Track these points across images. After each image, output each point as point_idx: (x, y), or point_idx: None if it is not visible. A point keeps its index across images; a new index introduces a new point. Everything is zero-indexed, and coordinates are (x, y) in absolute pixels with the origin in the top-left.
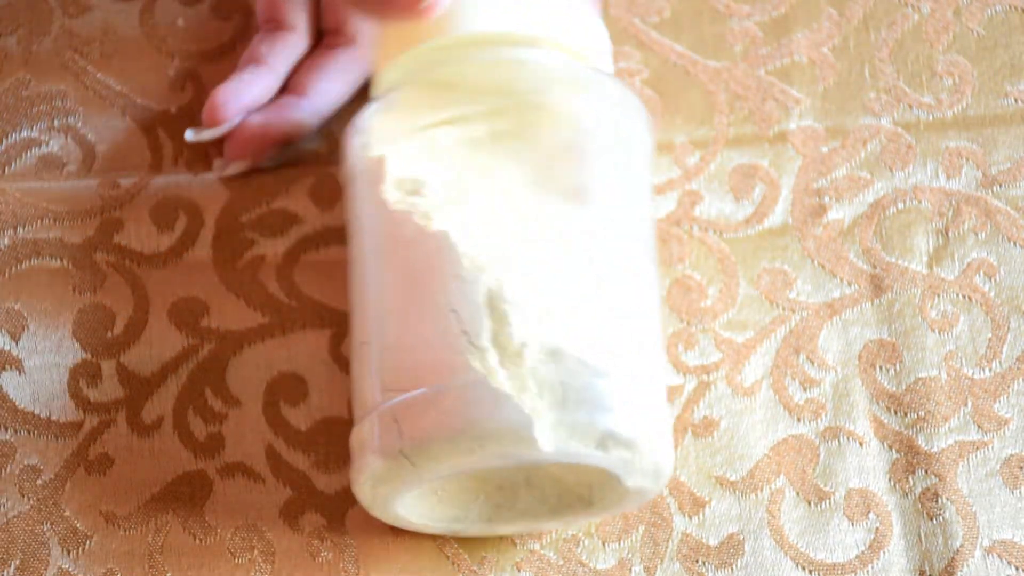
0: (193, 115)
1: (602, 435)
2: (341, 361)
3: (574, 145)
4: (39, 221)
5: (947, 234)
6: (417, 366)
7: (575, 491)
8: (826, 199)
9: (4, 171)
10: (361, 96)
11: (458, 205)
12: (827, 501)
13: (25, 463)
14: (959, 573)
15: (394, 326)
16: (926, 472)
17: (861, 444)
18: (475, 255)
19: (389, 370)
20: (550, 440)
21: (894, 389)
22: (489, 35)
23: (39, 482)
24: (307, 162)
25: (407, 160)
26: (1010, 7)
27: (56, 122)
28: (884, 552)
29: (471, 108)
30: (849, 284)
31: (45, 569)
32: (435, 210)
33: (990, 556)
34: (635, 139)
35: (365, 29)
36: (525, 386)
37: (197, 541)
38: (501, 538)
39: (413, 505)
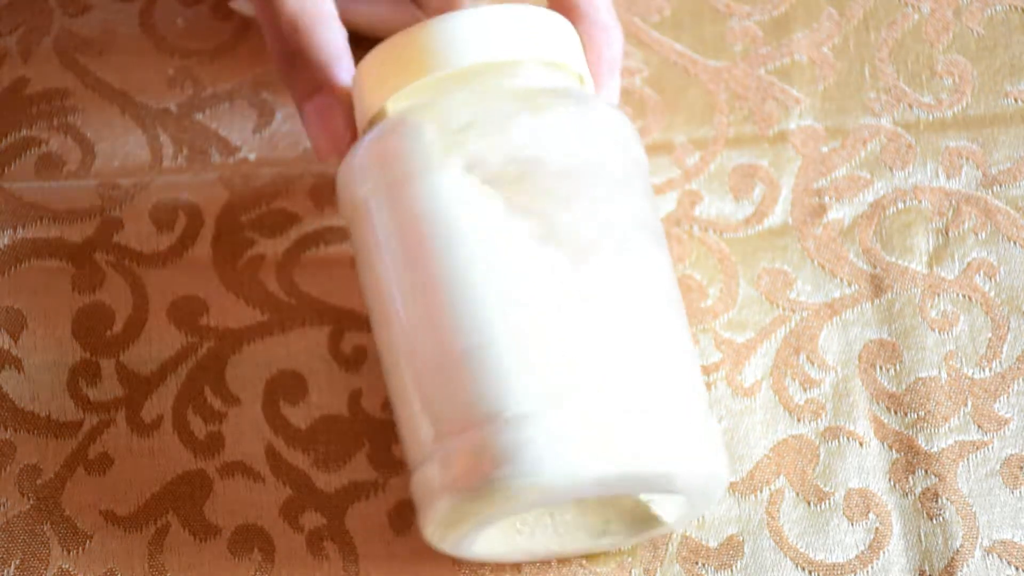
0: (193, 114)
1: (645, 471)
2: (340, 359)
3: (587, 172)
4: (39, 221)
5: (947, 234)
6: (479, 401)
7: (593, 523)
8: (826, 199)
9: (4, 171)
10: None
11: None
12: (827, 501)
13: (25, 463)
14: (959, 573)
15: (448, 358)
16: (926, 472)
17: (861, 444)
18: (512, 292)
19: (454, 404)
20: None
21: (894, 389)
22: (486, 65)
23: (39, 482)
24: (306, 161)
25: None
26: (1010, 7)
27: (56, 122)
28: (884, 552)
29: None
30: (849, 284)
31: (45, 569)
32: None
33: (990, 556)
34: (638, 159)
35: None
36: (578, 424)
37: (197, 541)
38: None
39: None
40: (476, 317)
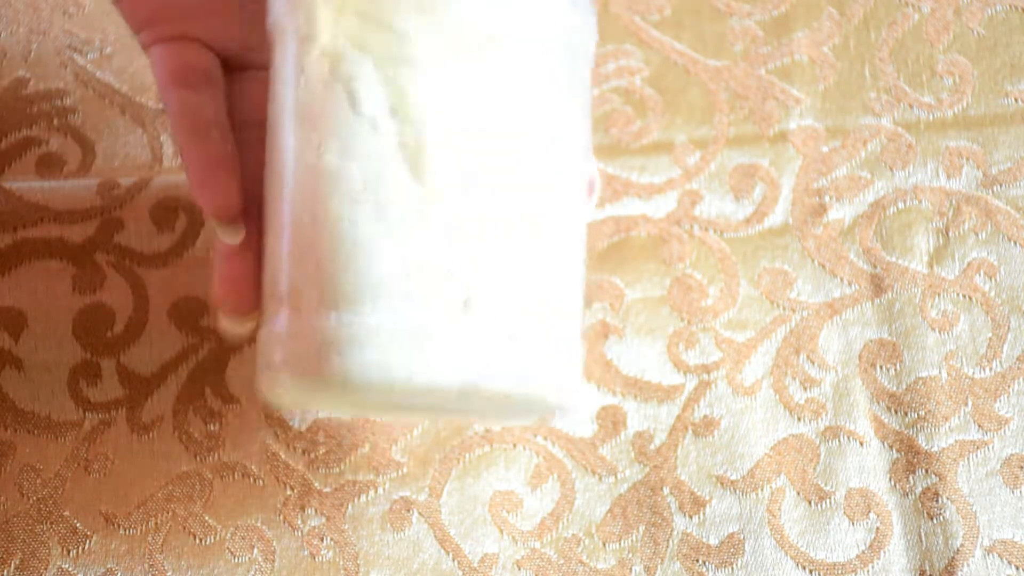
0: None
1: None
2: None
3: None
4: (40, 221)
5: (947, 234)
6: (351, 287)
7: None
8: (826, 199)
9: (5, 171)
10: None
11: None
12: (827, 501)
13: (25, 463)
14: (959, 572)
15: (321, 241)
16: (926, 472)
17: (861, 444)
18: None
19: (321, 282)
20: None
21: (894, 389)
22: None
23: (39, 482)
24: None
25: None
26: (1010, 7)
27: (56, 121)
28: (884, 552)
29: None
30: (849, 284)
31: (45, 568)
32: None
33: (990, 556)
34: (578, 43)
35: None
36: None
37: (197, 541)
38: (502, 534)
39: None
40: (343, 203)
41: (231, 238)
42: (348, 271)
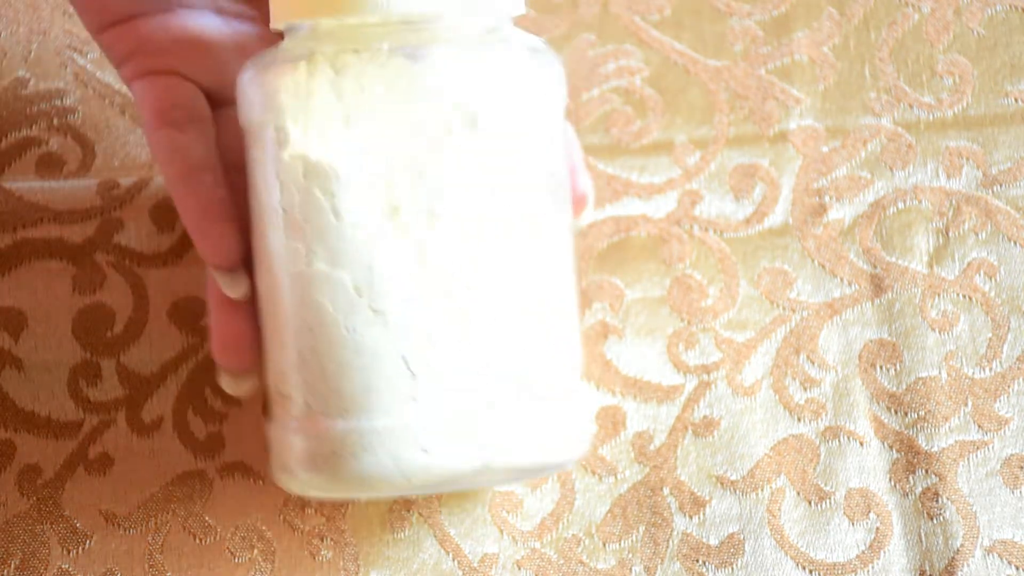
0: None
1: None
2: None
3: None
4: (40, 221)
5: (947, 234)
6: (352, 394)
7: None
8: (826, 199)
9: (5, 171)
10: None
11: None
12: (827, 501)
13: (25, 463)
14: (959, 573)
15: (319, 351)
16: (926, 472)
17: (861, 444)
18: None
19: (327, 389)
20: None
21: (894, 389)
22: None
23: (39, 482)
24: None
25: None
26: (1010, 7)
27: (56, 121)
28: (884, 552)
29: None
30: (849, 284)
31: (45, 568)
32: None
33: (990, 556)
34: (539, 103)
35: None
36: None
37: (197, 541)
38: (502, 534)
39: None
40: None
41: (235, 291)
42: (351, 379)
